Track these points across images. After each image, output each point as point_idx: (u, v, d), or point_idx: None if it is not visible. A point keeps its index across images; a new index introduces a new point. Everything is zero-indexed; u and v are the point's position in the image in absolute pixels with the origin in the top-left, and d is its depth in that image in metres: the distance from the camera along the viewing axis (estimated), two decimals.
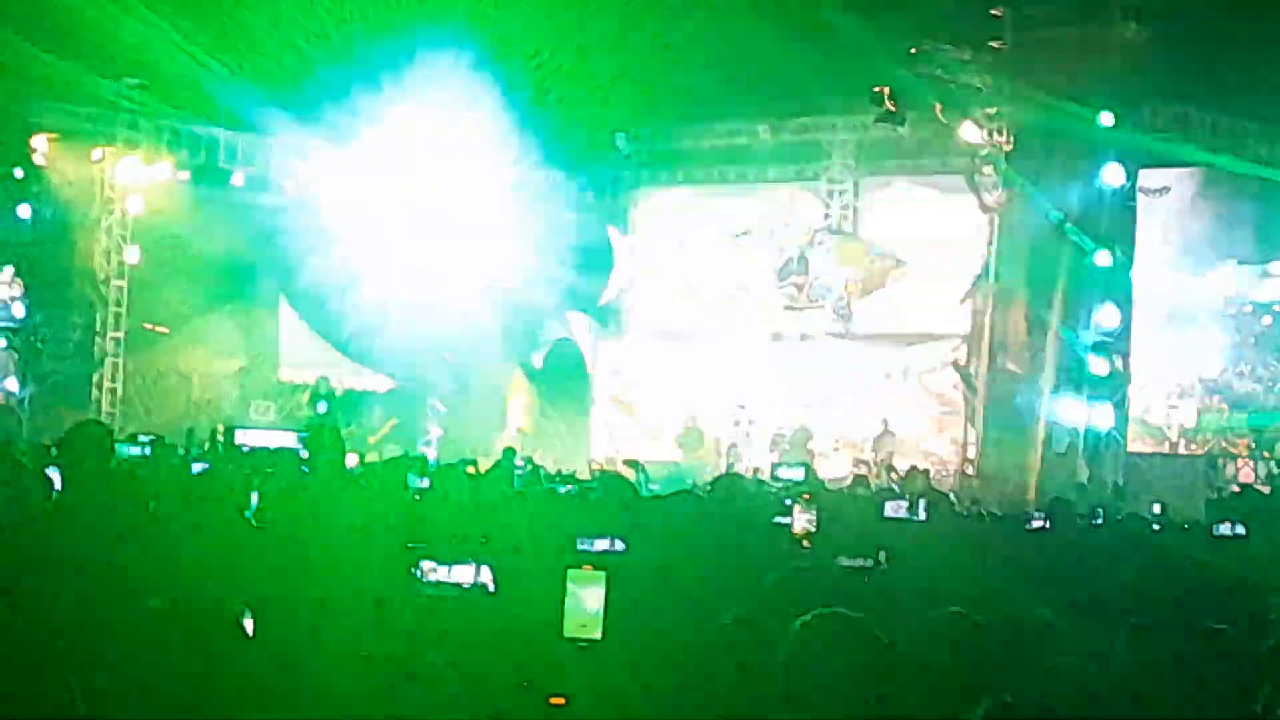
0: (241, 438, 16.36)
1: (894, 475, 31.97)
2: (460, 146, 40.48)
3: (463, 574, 7.71)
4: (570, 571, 6.12)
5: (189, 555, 8.13)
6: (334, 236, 41.05)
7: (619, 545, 8.88)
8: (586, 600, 6.05)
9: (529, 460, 26.79)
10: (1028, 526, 15.70)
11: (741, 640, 6.88)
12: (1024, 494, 30.25)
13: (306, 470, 8.46)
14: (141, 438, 18.16)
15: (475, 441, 37.32)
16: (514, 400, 44.28)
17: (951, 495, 26.28)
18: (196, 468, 14.68)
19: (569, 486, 20.37)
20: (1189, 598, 9.41)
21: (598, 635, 6.02)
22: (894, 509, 13.38)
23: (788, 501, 11.60)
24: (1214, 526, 15.66)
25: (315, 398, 38.51)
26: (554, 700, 5.79)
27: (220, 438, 18.39)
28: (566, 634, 6.07)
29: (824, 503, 11.93)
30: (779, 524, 10.95)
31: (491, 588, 7.79)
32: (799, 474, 13.56)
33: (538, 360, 44.60)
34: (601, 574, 6.12)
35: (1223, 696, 7.24)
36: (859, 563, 8.85)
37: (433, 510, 13.09)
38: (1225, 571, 11.07)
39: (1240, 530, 15.35)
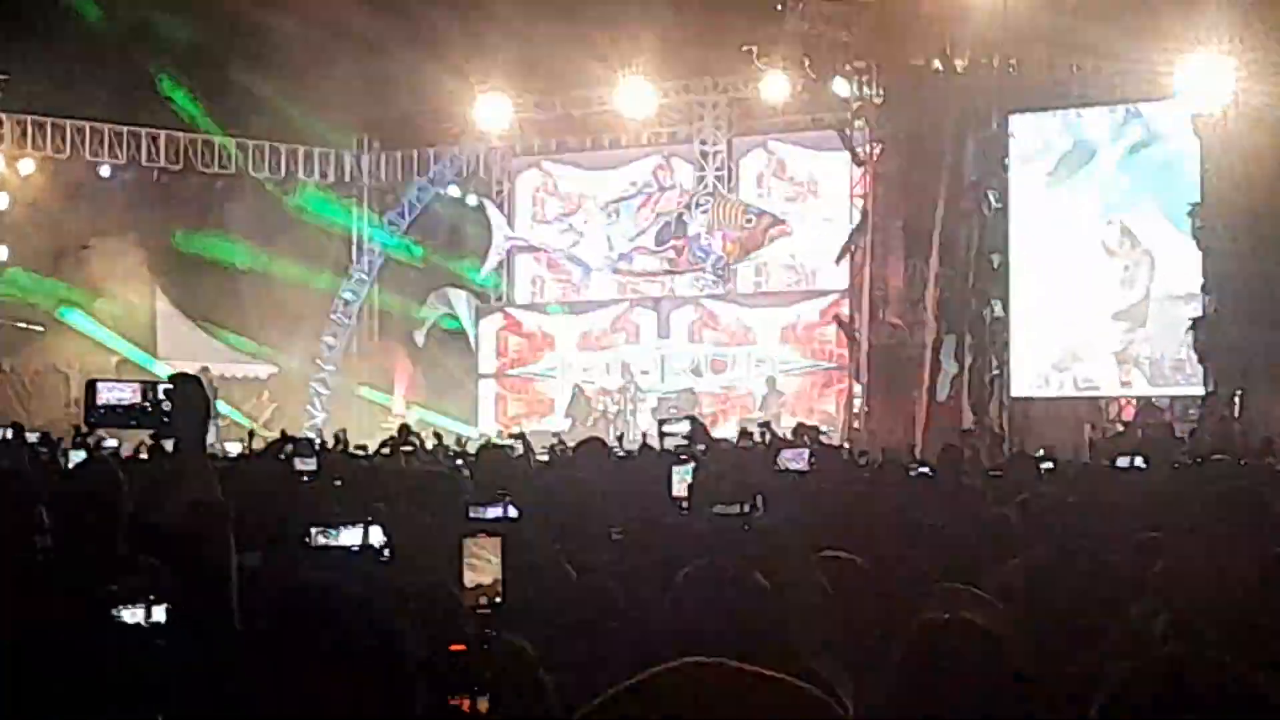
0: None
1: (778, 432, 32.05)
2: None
3: (351, 536, 7.61)
4: (465, 539, 6.06)
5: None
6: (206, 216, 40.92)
7: (511, 512, 8.83)
8: (482, 566, 5.99)
9: (417, 436, 26.63)
10: (911, 472, 15.76)
11: (629, 593, 6.88)
12: (910, 443, 30.41)
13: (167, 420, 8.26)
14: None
15: (360, 423, 37.18)
16: (399, 378, 44.13)
17: (839, 446, 26.47)
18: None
19: (458, 460, 20.30)
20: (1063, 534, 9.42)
21: (497, 599, 5.96)
22: (784, 460, 13.38)
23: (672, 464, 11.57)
24: (1116, 459, 15.86)
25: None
26: (454, 648, 5.74)
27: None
28: (466, 601, 6.01)
29: (709, 458, 11.94)
30: (658, 480, 10.94)
31: (386, 553, 7.71)
32: (683, 427, 13.53)
33: (419, 337, 44.44)
34: (496, 540, 6.06)
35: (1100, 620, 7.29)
36: (734, 510, 8.81)
37: (320, 490, 13.01)
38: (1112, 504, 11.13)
39: (1139, 463, 15.56)
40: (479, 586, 5.99)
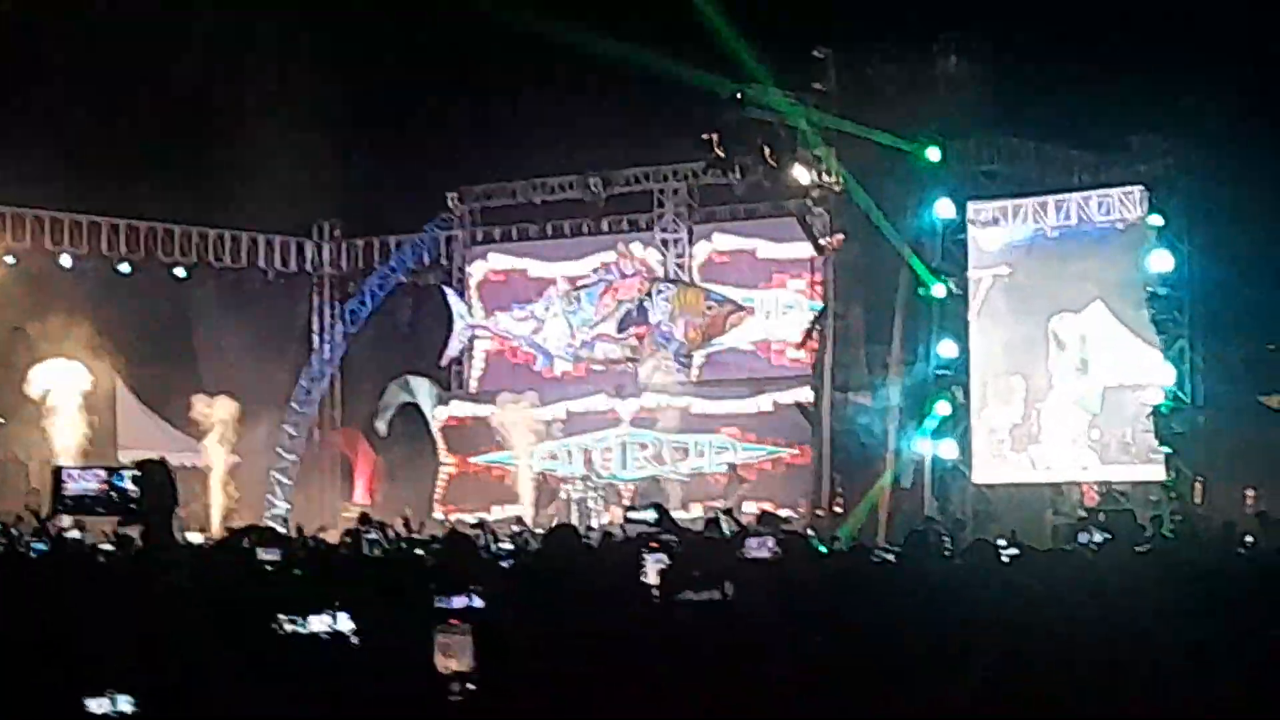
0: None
1: (741, 520, 32.04)
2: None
3: (319, 623, 7.60)
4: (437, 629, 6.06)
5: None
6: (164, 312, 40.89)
7: (477, 602, 8.79)
8: (455, 655, 5.99)
9: (379, 525, 26.55)
10: (874, 559, 15.72)
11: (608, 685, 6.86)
12: (874, 529, 30.41)
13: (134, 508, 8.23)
14: None
15: (322, 513, 37.07)
16: (360, 467, 44.01)
17: (803, 533, 26.43)
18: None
19: (419, 550, 20.22)
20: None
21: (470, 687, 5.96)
22: (749, 548, 13.35)
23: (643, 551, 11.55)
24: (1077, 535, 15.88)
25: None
26: None
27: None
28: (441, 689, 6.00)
29: (677, 546, 11.90)
30: (627, 568, 10.92)
31: (354, 640, 7.69)
32: (649, 515, 13.50)
33: (381, 426, 44.33)
34: (467, 629, 6.07)
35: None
36: (703, 596, 8.81)
37: (285, 579, 12.93)
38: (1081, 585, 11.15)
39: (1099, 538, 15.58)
40: (453, 674, 5.98)
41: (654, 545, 11.31)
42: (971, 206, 33.29)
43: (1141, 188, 31.32)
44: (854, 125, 31.99)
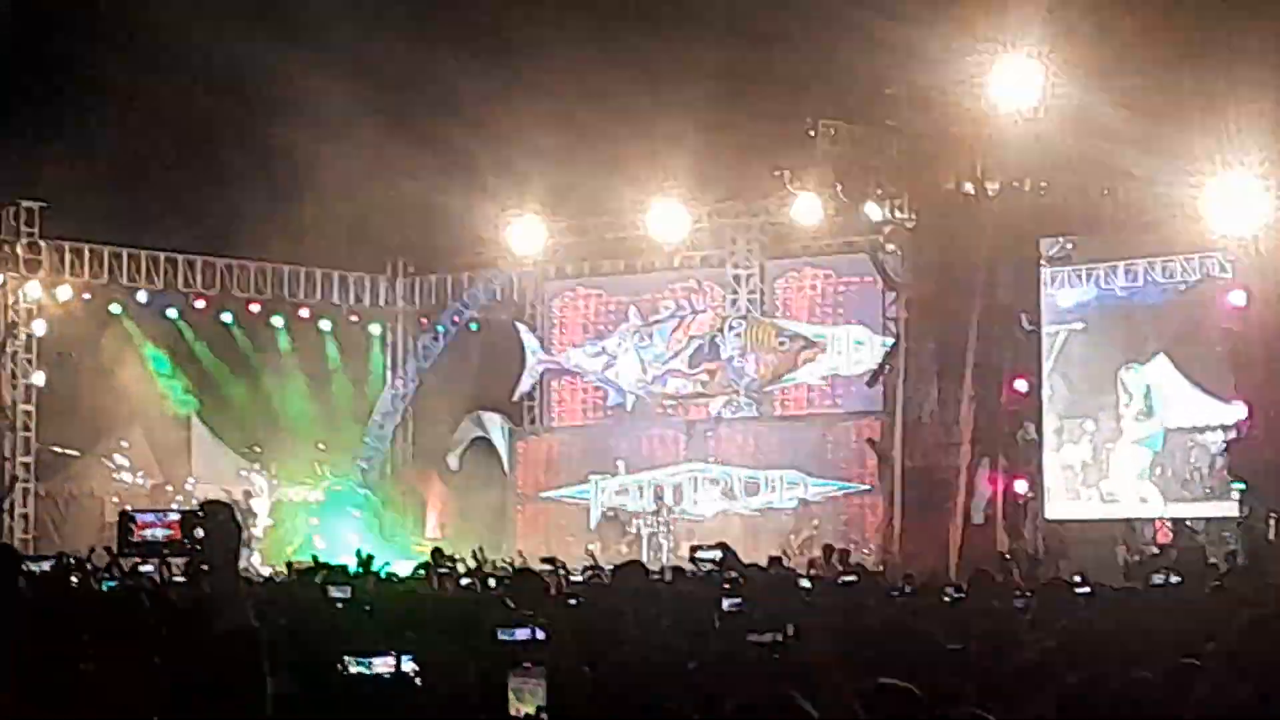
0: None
1: (812, 556, 32.04)
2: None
3: (383, 665, 7.64)
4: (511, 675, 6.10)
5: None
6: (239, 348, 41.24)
7: (539, 635, 8.83)
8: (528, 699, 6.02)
9: (451, 560, 26.62)
10: (945, 597, 15.67)
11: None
12: (945, 567, 30.28)
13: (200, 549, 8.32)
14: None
15: (395, 546, 37.17)
16: (432, 502, 44.14)
17: (871, 571, 26.40)
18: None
19: (490, 584, 20.28)
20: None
21: None
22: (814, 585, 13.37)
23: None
24: (1150, 577, 15.81)
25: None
26: None
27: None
28: None
29: (748, 584, 11.92)
30: (697, 604, 10.94)
31: (417, 680, 7.73)
32: (716, 554, 13.52)
33: (453, 461, 44.47)
34: (541, 672, 6.10)
35: None
36: (767, 638, 8.82)
37: (355, 615, 13.01)
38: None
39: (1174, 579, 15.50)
40: (525, 717, 6.00)
41: (726, 585, 11.33)
42: (1044, 243, 33.33)
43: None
44: (926, 162, 31.94)
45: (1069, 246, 35.69)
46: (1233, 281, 32.13)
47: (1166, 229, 33.39)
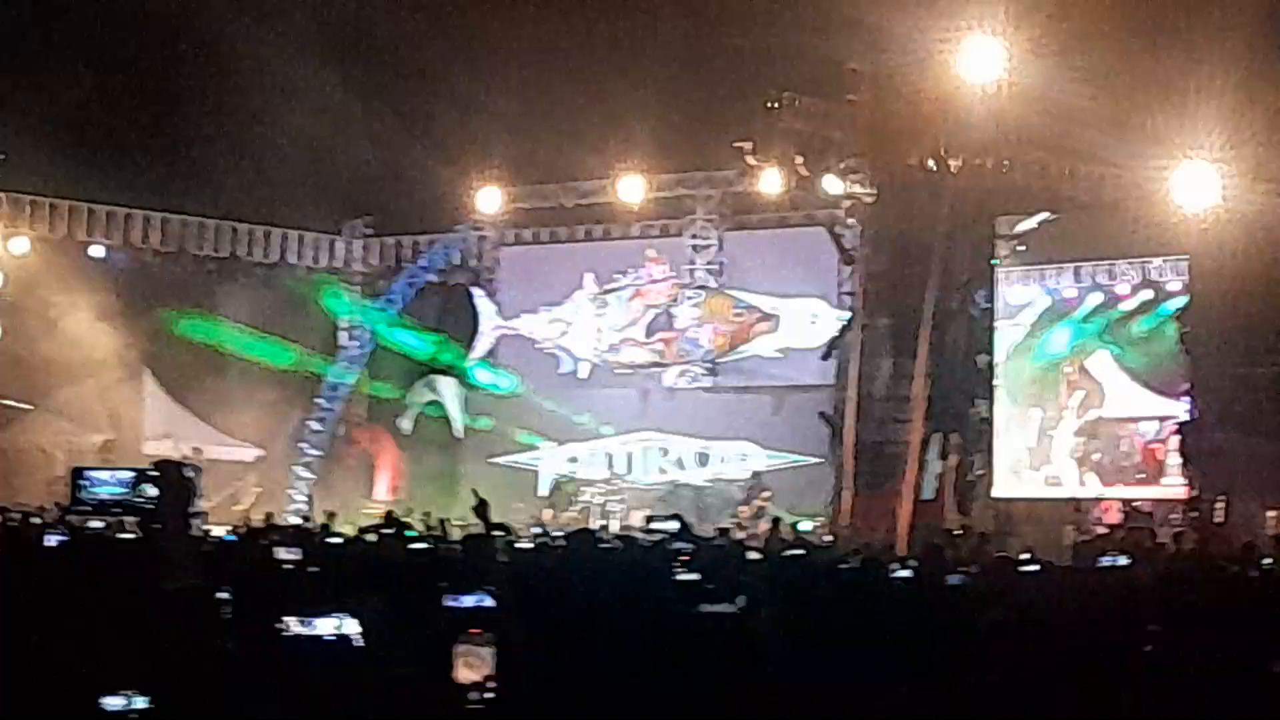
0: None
1: (764, 527, 32.10)
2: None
3: (325, 626, 7.62)
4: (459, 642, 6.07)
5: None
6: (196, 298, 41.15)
7: (488, 602, 8.83)
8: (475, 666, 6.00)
9: (402, 523, 26.59)
10: (892, 573, 15.67)
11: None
12: (893, 541, 30.38)
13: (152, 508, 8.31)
14: None
15: (345, 509, 37.10)
16: (382, 464, 44.09)
17: (820, 544, 26.46)
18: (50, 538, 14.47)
19: (439, 548, 20.24)
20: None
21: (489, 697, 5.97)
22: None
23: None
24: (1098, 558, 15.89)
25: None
26: None
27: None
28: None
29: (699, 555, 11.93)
30: (649, 574, 10.94)
31: (359, 642, 7.71)
32: (671, 525, 13.50)
33: (405, 424, 44.42)
34: (489, 639, 6.08)
35: None
36: (719, 609, 8.85)
37: (301, 577, 12.97)
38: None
39: (1122, 561, 15.57)
40: (472, 685, 5.99)
41: (683, 557, 11.34)
42: (1002, 222, 33.43)
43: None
44: (886, 137, 31.98)
45: (1021, 248, 36.34)
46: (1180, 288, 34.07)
47: (1126, 209, 33.46)
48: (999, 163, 32.70)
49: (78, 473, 8.27)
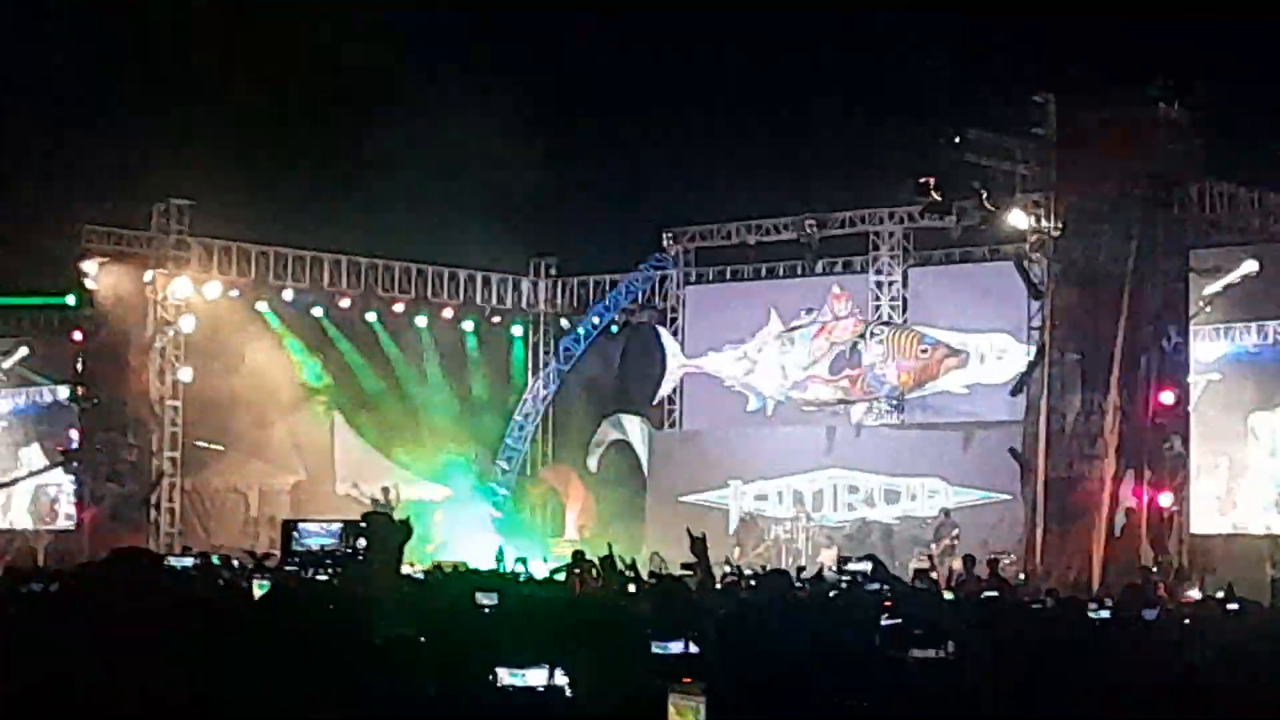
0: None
1: (956, 567, 31.86)
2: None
3: (536, 677, 7.64)
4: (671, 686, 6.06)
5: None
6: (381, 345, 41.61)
7: (693, 648, 8.82)
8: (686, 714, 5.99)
9: (592, 563, 26.67)
10: (1091, 613, 15.47)
11: None
12: (1088, 578, 30.04)
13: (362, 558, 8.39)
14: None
15: (534, 548, 37.29)
16: (571, 503, 44.28)
17: (1013, 583, 26.23)
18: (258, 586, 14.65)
19: (631, 589, 20.28)
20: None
21: None
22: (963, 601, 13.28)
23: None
24: None
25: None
26: None
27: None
28: None
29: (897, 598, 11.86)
30: (850, 617, 10.89)
31: (569, 693, 7.73)
32: (865, 566, 13.41)
33: (593, 462, 44.61)
34: (701, 687, 6.06)
35: None
36: (930, 654, 8.78)
37: (503, 622, 13.03)
38: None
39: None
40: None
41: (888, 603, 11.27)
42: (1194, 255, 32.97)
43: None
44: (1072, 170, 31.71)
45: (1207, 309, 36.11)
46: None
47: None
48: (1187, 192, 32.33)
49: (290, 525, 8.39)
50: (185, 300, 39.34)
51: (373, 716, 6.90)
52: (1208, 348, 36.69)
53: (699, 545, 10.41)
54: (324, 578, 17.28)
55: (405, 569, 26.44)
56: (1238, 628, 14.24)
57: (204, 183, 37.84)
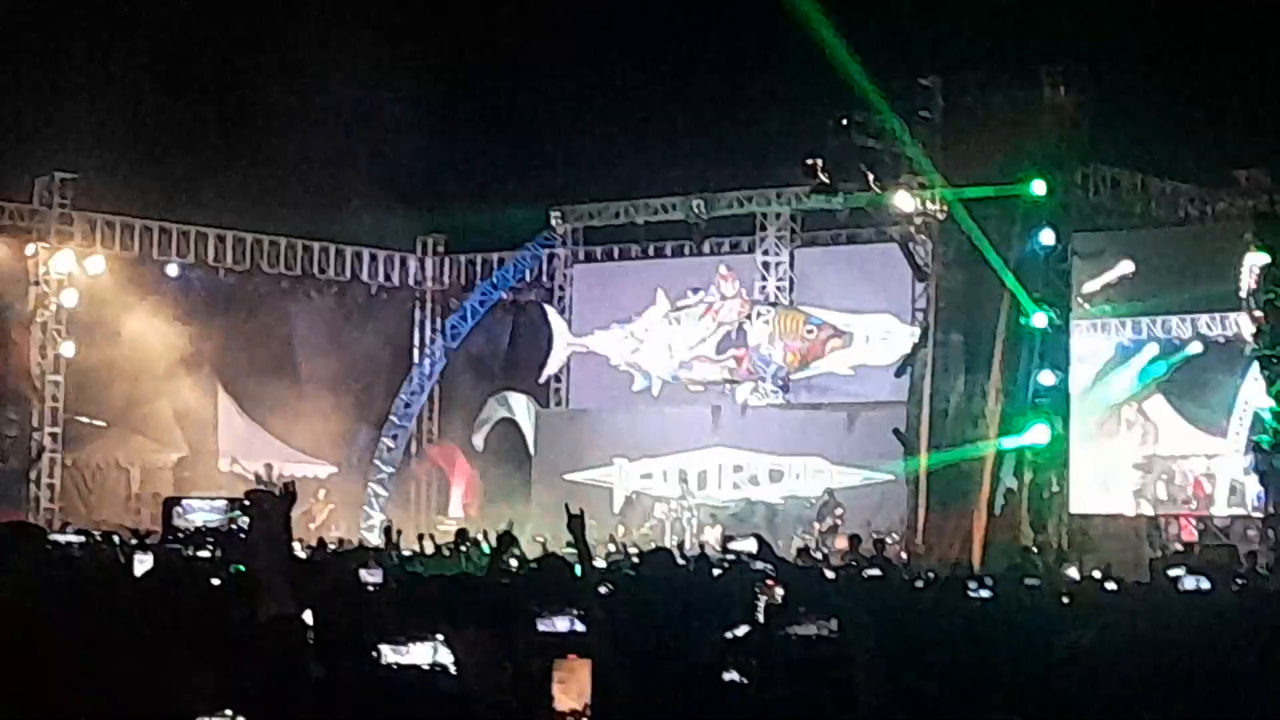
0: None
1: (840, 546, 32.06)
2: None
3: (420, 654, 7.62)
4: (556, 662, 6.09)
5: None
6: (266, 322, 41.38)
7: (579, 626, 8.82)
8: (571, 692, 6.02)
9: (476, 542, 26.71)
10: (971, 593, 15.57)
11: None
12: (969, 557, 30.27)
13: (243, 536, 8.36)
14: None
15: (418, 525, 37.24)
16: (456, 481, 44.22)
17: (896, 562, 26.43)
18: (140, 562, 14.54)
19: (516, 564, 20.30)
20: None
21: None
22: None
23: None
24: (1179, 580, 15.81)
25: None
26: None
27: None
28: None
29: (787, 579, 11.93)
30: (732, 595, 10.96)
31: (452, 669, 7.72)
32: (750, 544, 13.41)
33: (478, 440, 44.57)
34: (585, 665, 6.10)
35: None
36: (811, 631, 8.83)
37: (386, 599, 13.00)
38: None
39: (1204, 585, 15.47)
40: (569, 712, 6.00)
41: (770, 580, 11.33)
42: (1077, 238, 33.27)
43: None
44: (959, 154, 31.92)
45: (1086, 307, 37.45)
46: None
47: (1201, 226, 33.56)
48: (1070, 178, 32.61)
49: (171, 502, 8.36)
50: (68, 274, 38.97)
51: (254, 695, 6.88)
52: (1085, 341, 37.68)
53: (576, 523, 10.44)
54: (206, 554, 17.21)
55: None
56: (1116, 606, 14.40)
57: (88, 156, 37.51)
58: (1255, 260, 33.21)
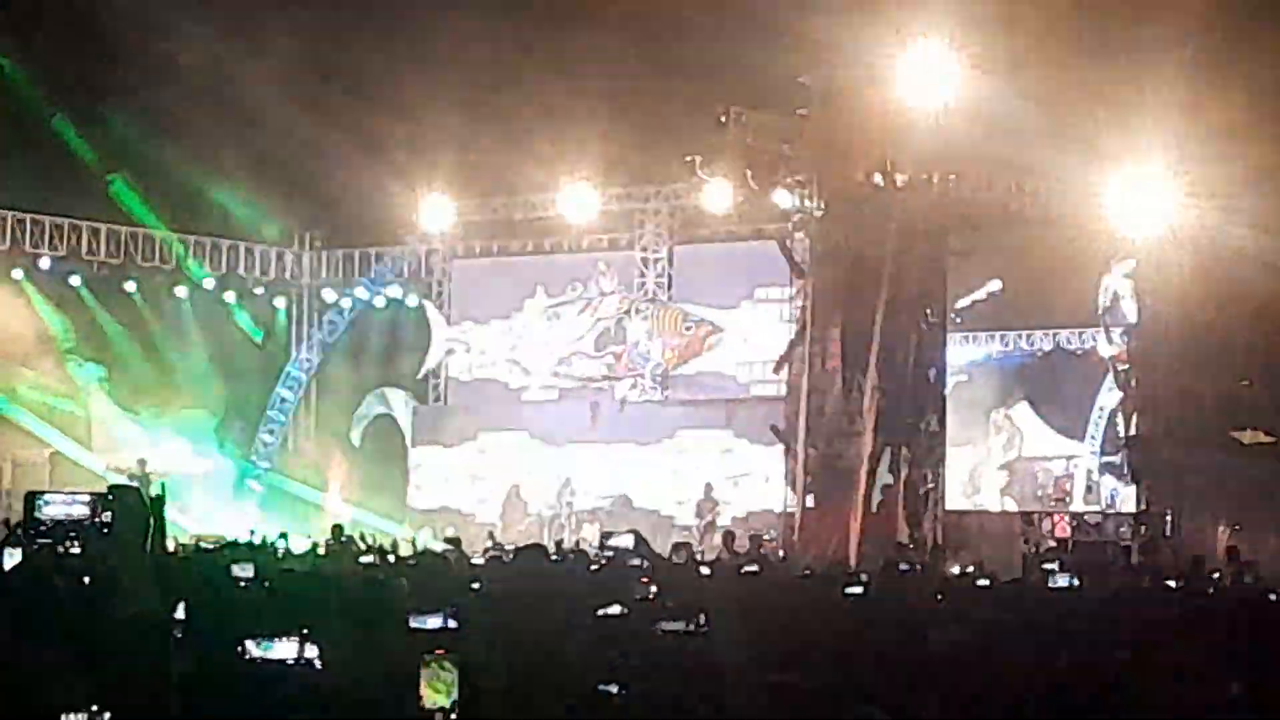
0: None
1: (717, 543, 32.10)
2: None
3: (286, 649, 7.57)
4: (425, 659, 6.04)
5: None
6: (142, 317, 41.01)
7: (451, 623, 8.80)
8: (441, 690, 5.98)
9: (351, 538, 26.58)
10: (846, 590, 15.65)
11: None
12: (845, 554, 30.41)
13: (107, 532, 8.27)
14: None
15: (295, 522, 37.02)
16: (333, 476, 43.94)
17: (773, 558, 26.52)
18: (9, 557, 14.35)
19: (391, 561, 20.22)
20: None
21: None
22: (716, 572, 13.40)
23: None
24: (1049, 578, 15.96)
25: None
26: None
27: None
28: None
29: (655, 572, 11.94)
30: (607, 591, 10.93)
31: (319, 665, 7.67)
32: (627, 540, 13.42)
33: (356, 436, 44.35)
34: (455, 660, 6.06)
35: None
36: (679, 626, 8.83)
37: (257, 595, 12.92)
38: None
39: (1075, 582, 15.63)
40: (438, 709, 5.97)
41: (644, 579, 11.33)
42: (953, 238, 33.58)
43: None
44: (835, 151, 32.06)
45: (956, 320, 38.46)
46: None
47: (1073, 224, 33.83)
48: (945, 177, 32.83)
49: (33, 495, 8.25)
50: None
51: (118, 691, 6.80)
52: (956, 352, 39.46)
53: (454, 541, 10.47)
54: (76, 551, 17.00)
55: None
56: (988, 600, 14.51)
57: None
58: (1110, 281, 34.70)
